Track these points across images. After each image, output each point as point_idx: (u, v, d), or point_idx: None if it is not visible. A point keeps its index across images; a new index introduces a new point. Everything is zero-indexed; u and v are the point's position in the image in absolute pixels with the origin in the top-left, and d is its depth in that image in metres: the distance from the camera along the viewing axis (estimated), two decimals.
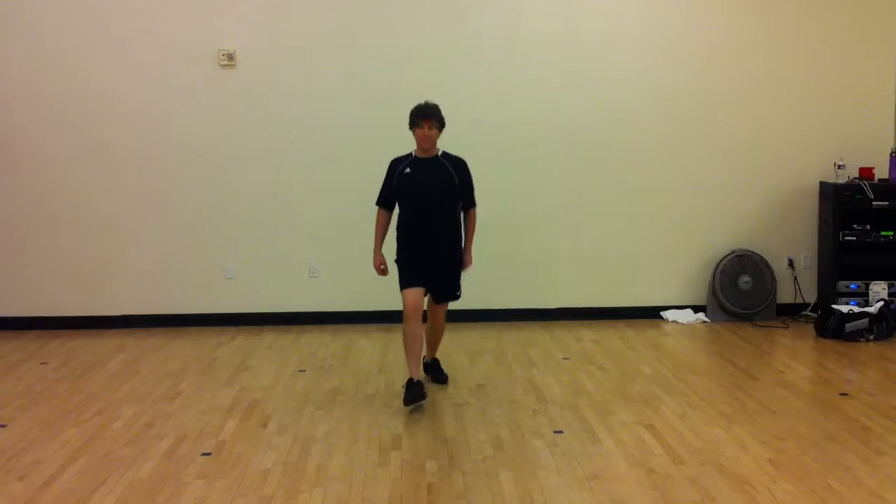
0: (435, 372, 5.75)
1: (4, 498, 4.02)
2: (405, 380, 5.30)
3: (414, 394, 5.14)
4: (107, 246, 7.20)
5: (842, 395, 5.38)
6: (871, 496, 3.92)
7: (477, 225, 5.53)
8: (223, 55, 7.03)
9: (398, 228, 5.47)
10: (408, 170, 5.37)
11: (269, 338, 6.92)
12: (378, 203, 5.51)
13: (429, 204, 5.34)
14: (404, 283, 5.32)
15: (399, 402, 5.27)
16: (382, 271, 5.50)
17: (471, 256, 5.54)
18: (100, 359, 6.36)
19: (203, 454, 4.50)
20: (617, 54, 7.20)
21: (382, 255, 5.49)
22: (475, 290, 7.26)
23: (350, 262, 7.27)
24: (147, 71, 7.05)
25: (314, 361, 6.25)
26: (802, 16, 7.24)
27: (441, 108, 5.31)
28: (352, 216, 7.13)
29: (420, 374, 5.31)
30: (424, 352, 5.60)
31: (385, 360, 6.26)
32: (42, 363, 6.27)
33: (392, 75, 7.09)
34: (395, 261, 5.47)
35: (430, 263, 5.36)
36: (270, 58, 7.09)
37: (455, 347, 6.47)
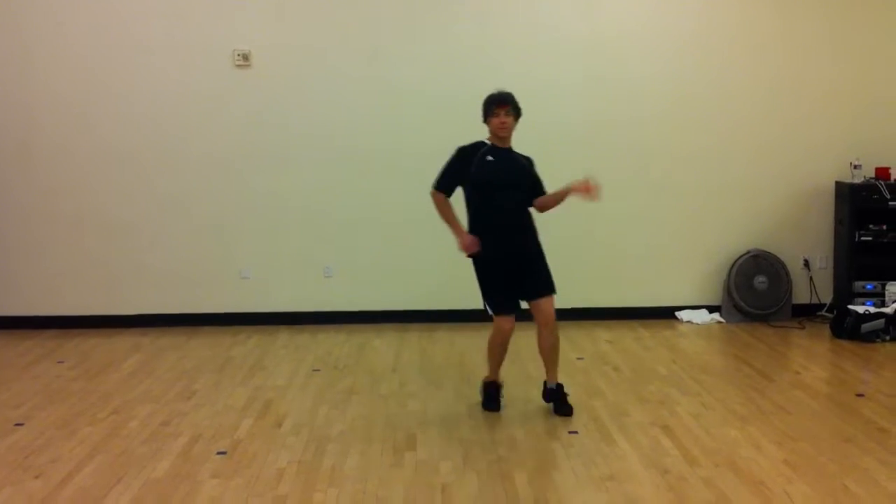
0: (559, 402, 5.13)
1: (22, 495, 4.05)
2: (480, 382, 5.34)
3: (491, 398, 5.20)
4: (123, 246, 7.23)
5: (858, 395, 5.35)
6: (888, 499, 3.90)
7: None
8: (238, 55, 7.04)
9: (472, 228, 5.00)
10: (490, 157, 4.94)
11: (284, 337, 6.94)
12: (439, 188, 5.01)
13: (513, 196, 4.98)
14: (498, 308, 4.98)
15: (412, 402, 5.32)
16: (475, 246, 4.95)
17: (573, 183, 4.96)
18: (116, 358, 6.39)
19: (218, 453, 4.52)
20: (632, 55, 7.18)
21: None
22: None
23: (365, 262, 7.29)
24: (164, 72, 7.07)
25: (329, 361, 6.27)
26: (819, 16, 7.20)
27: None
28: (367, 216, 7.17)
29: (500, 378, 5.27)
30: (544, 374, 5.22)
31: (399, 360, 6.27)
32: (59, 362, 6.31)
33: (411, 76, 7.08)
34: (477, 269, 5.02)
35: (519, 269, 4.97)
36: (286, 58, 7.09)
37: (470, 347, 6.47)
